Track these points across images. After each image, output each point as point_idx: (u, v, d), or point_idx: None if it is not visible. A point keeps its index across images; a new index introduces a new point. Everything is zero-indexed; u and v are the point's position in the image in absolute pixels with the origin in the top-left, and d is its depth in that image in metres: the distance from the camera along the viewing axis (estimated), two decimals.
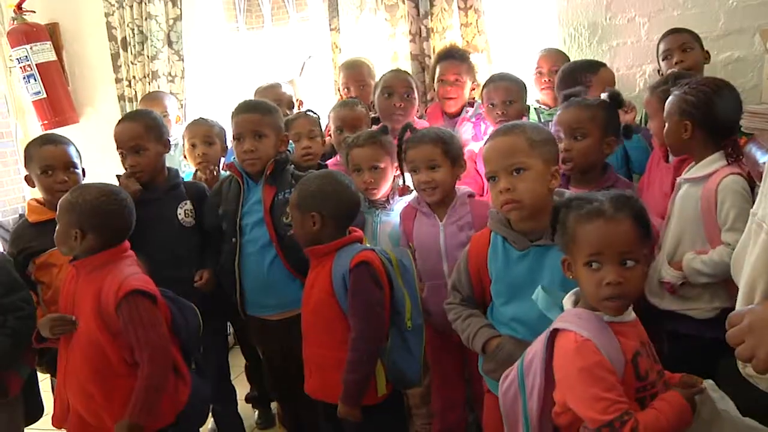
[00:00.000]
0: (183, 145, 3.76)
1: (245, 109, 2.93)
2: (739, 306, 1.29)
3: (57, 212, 2.46)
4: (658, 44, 3.62)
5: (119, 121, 3.13)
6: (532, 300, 2.07)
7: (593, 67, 3.53)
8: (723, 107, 2.44)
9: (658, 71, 3.58)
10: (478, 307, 2.32)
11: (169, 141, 3.10)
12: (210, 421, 3.31)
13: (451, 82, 3.70)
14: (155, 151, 2.98)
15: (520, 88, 3.50)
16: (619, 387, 1.68)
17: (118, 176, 3.02)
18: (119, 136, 3.00)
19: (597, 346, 1.71)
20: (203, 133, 3.62)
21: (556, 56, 3.83)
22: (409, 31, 4.32)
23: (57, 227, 2.46)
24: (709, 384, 1.69)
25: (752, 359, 1.22)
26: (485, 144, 2.27)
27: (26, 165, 2.96)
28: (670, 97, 2.52)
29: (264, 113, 2.89)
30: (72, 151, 2.94)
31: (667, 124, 2.52)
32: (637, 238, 1.74)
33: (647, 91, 2.91)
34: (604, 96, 2.72)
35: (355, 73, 4.10)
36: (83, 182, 2.86)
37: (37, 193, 3.01)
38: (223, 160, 3.67)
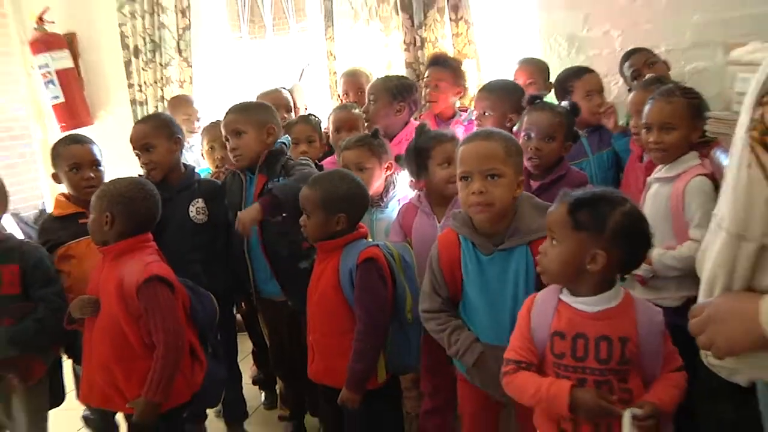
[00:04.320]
0: (203, 145, 3.79)
1: (226, 112, 2.97)
2: (700, 299, 1.33)
3: (91, 203, 2.51)
4: (622, 65, 3.68)
5: (137, 123, 3.19)
6: (502, 305, 2.16)
7: (578, 73, 3.60)
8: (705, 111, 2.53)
9: (628, 90, 3.58)
10: (455, 307, 2.32)
11: (181, 139, 3.07)
12: None
13: (432, 86, 3.73)
14: (166, 148, 2.99)
15: (498, 97, 3.25)
16: (524, 341, 1.88)
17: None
18: (132, 138, 3.03)
19: (534, 307, 1.89)
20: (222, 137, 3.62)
21: (531, 69, 3.82)
22: (404, 40, 4.37)
23: (90, 216, 2.51)
24: (628, 411, 1.69)
25: (711, 347, 1.27)
26: (463, 143, 2.24)
27: (53, 163, 2.97)
28: (671, 105, 2.49)
29: (240, 112, 2.91)
30: (96, 150, 2.97)
31: (677, 131, 2.47)
32: (564, 225, 1.79)
33: (639, 89, 2.94)
34: (564, 104, 2.82)
35: (354, 80, 4.17)
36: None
37: (62, 189, 3.03)
38: None
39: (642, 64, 3.54)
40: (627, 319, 1.80)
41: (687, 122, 2.47)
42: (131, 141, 3.03)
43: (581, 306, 1.81)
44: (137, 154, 3.02)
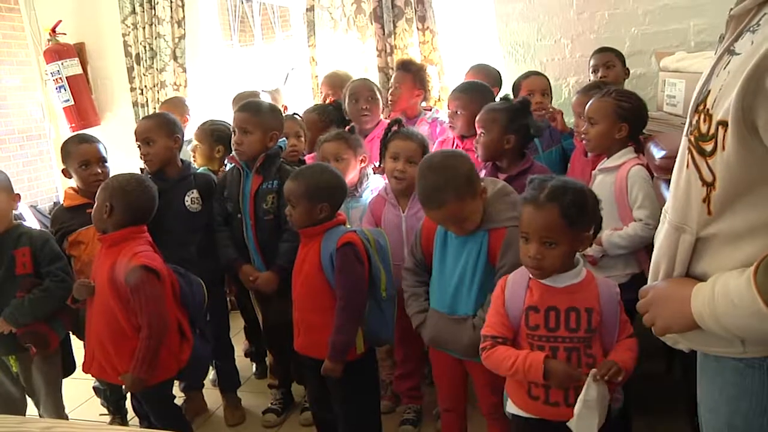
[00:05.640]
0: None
1: (239, 108, 2.92)
2: (649, 282, 1.36)
3: (97, 194, 2.51)
4: (590, 58, 3.69)
5: (142, 119, 3.18)
6: (450, 279, 2.21)
7: (526, 75, 3.65)
8: (642, 113, 2.53)
9: (590, 80, 3.62)
10: (426, 270, 2.37)
11: (180, 138, 3.04)
12: (211, 372, 3.35)
13: (393, 89, 3.73)
14: (164, 144, 2.96)
15: (469, 98, 3.16)
16: (500, 318, 1.89)
17: (141, 169, 3.06)
18: (136, 131, 3.01)
19: (506, 288, 1.90)
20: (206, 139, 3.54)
21: (478, 75, 3.75)
22: (377, 47, 4.37)
23: (95, 205, 2.52)
24: (591, 373, 1.74)
25: (652, 326, 1.29)
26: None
27: (64, 160, 2.95)
28: (599, 103, 2.52)
29: (252, 113, 2.85)
30: (102, 148, 2.96)
31: (599, 125, 2.51)
32: (561, 226, 1.76)
33: (579, 93, 2.95)
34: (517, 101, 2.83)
35: (334, 81, 4.10)
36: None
37: (71, 183, 3.02)
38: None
39: (601, 64, 3.58)
40: (590, 292, 1.84)
41: (610, 120, 2.48)
42: (135, 133, 3.01)
43: (551, 283, 1.84)
44: (139, 146, 3.00)
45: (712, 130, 1.10)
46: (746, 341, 1.15)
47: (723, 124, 1.07)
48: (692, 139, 1.17)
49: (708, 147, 1.11)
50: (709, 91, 1.13)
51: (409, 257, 2.42)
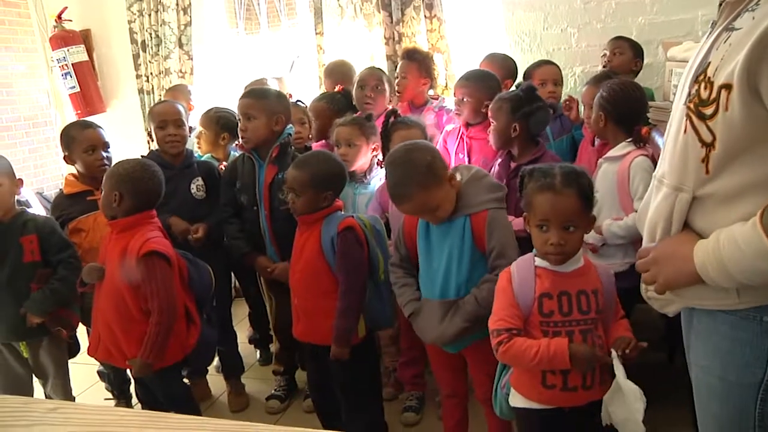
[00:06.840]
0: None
1: (243, 95, 2.94)
2: (644, 244, 1.43)
3: (103, 182, 2.53)
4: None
5: (161, 102, 3.27)
6: (437, 266, 2.22)
7: (537, 65, 3.67)
8: (627, 103, 2.55)
9: (603, 66, 3.66)
10: (412, 265, 2.37)
11: (190, 127, 3.13)
12: (215, 359, 3.38)
13: (399, 78, 3.71)
14: (186, 129, 3.08)
15: (475, 85, 3.14)
16: (512, 310, 1.85)
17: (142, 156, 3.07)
18: (164, 112, 3.08)
19: (513, 278, 1.88)
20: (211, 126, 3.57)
21: (491, 64, 3.69)
22: (384, 35, 4.37)
23: (102, 194, 2.54)
24: (613, 352, 1.79)
25: (654, 283, 1.36)
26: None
27: (67, 146, 2.96)
28: (590, 90, 2.66)
29: (255, 98, 2.86)
30: (104, 133, 2.99)
31: (593, 112, 2.63)
32: (580, 210, 1.81)
33: (588, 84, 2.99)
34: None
35: (335, 71, 4.10)
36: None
37: (73, 169, 3.04)
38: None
39: (610, 51, 3.63)
40: (592, 275, 1.89)
41: (595, 108, 2.61)
42: (163, 114, 3.07)
43: (560, 268, 1.86)
44: (161, 127, 3.04)
45: (713, 95, 1.17)
46: (742, 290, 1.22)
47: (726, 87, 1.15)
48: (691, 106, 1.24)
49: (708, 111, 1.19)
50: (709, 62, 1.21)
51: (394, 252, 2.43)
